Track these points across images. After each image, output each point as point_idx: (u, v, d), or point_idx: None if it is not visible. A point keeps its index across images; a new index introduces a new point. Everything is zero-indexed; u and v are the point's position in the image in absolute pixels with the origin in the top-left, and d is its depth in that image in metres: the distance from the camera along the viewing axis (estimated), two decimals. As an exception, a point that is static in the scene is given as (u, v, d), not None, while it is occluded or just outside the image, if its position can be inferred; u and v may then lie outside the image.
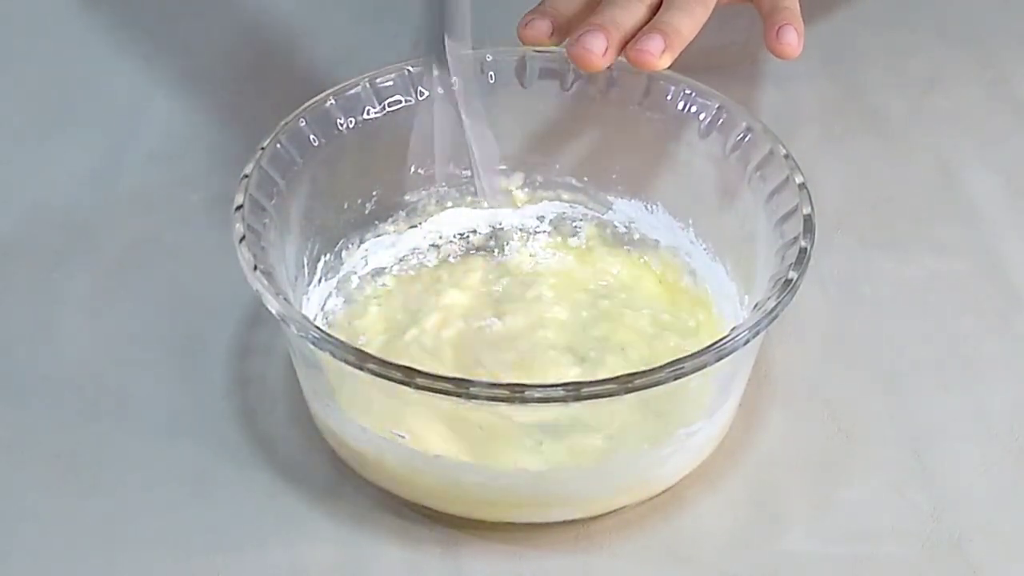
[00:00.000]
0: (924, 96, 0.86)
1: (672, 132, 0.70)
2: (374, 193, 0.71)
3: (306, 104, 0.69)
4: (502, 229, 0.73)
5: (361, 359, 0.58)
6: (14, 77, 0.87)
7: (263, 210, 0.65)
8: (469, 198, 0.73)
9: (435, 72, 0.69)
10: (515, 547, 0.63)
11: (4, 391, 0.69)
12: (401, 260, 0.72)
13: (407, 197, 0.72)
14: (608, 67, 0.69)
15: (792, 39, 0.71)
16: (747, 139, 0.68)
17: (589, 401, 0.57)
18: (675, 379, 0.58)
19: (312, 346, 0.60)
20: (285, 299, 0.61)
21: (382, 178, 0.71)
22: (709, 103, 0.70)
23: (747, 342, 0.60)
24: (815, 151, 0.81)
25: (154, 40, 0.89)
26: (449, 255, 0.72)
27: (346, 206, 0.70)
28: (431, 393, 0.58)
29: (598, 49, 0.68)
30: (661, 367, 0.58)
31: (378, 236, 0.72)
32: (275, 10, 0.91)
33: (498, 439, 0.63)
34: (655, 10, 0.71)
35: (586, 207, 0.73)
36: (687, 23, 0.69)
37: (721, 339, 0.59)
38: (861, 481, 0.66)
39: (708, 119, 0.69)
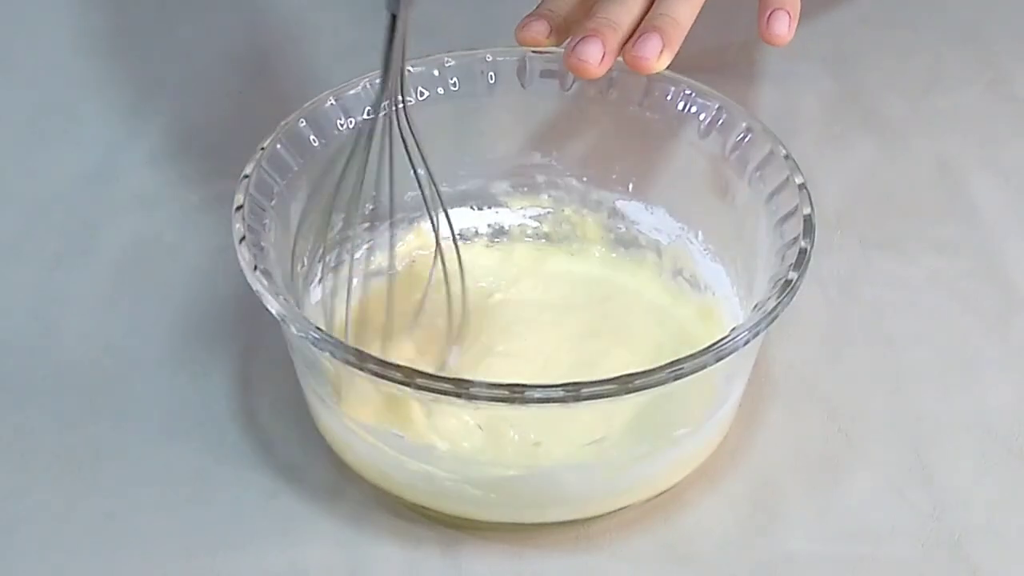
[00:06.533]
0: (924, 96, 0.86)
1: (672, 132, 0.70)
2: (374, 193, 0.71)
3: (306, 104, 0.69)
4: (503, 229, 0.73)
5: (361, 359, 0.58)
6: (14, 77, 0.87)
7: (263, 210, 0.65)
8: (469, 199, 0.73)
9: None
10: (515, 547, 0.63)
11: (4, 391, 0.69)
12: (401, 260, 0.72)
13: (407, 197, 0.72)
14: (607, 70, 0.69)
15: (782, 29, 0.71)
16: (747, 139, 0.68)
17: (589, 401, 0.57)
18: (675, 379, 0.58)
19: (312, 346, 0.60)
20: (285, 299, 0.61)
21: (384, 178, 0.71)
22: (709, 103, 0.70)
23: (747, 342, 0.60)
24: (815, 151, 0.81)
25: (154, 41, 0.89)
26: (448, 254, 0.72)
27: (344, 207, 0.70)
28: (431, 393, 0.58)
29: (593, 59, 0.67)
30: (661, 367, 0.58)
31: (378, 236, 0.72)
32: (275, 10, 0.91)
33: (498, 439, 0.63)
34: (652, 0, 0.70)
35: (586, 208, 0.73)
36: (685, 11, 0.69)
37: (721, 339, 0.59)
38: (861, 481, 0.66)
39: (708, 119, 0.69)
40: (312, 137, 0.68)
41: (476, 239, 0.73)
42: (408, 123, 0.65)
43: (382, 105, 0.64)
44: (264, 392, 0.69)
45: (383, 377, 0.58)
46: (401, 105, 0.65)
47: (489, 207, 0.74)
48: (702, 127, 0.70)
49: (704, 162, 0.70)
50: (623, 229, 0.73)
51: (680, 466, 0.65)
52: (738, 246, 0.68)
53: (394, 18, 0.62)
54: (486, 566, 0.63)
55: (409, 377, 0.58)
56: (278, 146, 0.67)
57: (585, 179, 0.73)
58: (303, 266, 0.68)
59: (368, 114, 0.66)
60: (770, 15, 0.71)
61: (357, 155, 0.64)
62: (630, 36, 0.69)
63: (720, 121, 0.69)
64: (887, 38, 0.90)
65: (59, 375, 0.70)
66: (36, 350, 0.71)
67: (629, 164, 0.72)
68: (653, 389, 0.58)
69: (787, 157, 0.67)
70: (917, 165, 0.81)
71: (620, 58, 0.69)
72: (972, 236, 0.77)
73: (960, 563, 0.63)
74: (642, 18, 0.69)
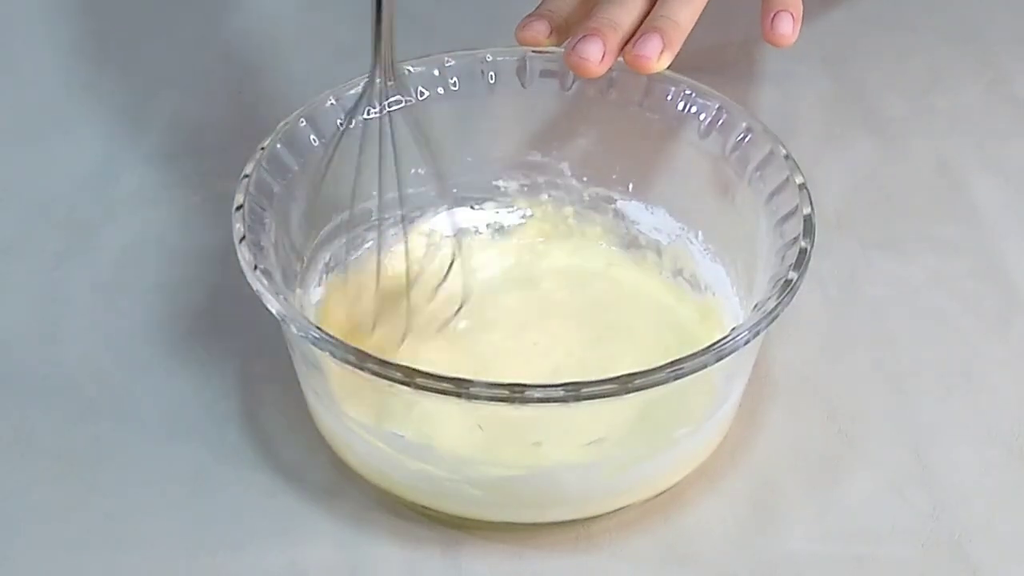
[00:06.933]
0: (924, 96, 0.86)
1: (672, 132, 0.70)
2: (374, 193, 0.71)
3: (306, 104, 0.69)
4: (503, 228, 0.73)
5: (361, 359, 0.58)
6: (14, 77, 0.87)
7: (263, 210, 0.65)
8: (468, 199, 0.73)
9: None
10: (515, 547, 0.63)
11: (4, 391, 0.69)
12: (401, 260, 0.72)
13: (405, 195, 0.72)
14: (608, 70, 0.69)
15: (787, 29, 0.71)
16: (747, 139, 0.68)
17: (589, 401, 0.57)
18: (675, 379, 0.58)
19: (312, 346, 0.60)
20: (285, 299, 0.61)
21: (382, 178, 0.71)
22: (709, 103, 0.70)
23: (747, 342, 0.60)
24: (815, 151, 0.81)
25: (154, 40, 0.89)
26: (448, 254, 0.72)
27: (346, 206, 0.70)
28: (430, 393, 0.58)
29: (594, 57, 0.67)
30: (661, 367, 0.58)
31: (378, 236, 0.72)
32: (275, 10, 0.91)
33: (498, 439, 0.63)
34: (654, 0, 0.70)
35: (586, 207, 0.73)
36: (686, 13, 0.69)
37: (721, 339, 0.59)
38: (861, 481, 0.66)
39: (708, 119, 0.69)
40: (312, 137, 0.68)
41: (476, 238, 0.73)
42: (393, 123, 0.65)
43: (377, 96, 0.65)
44: (264, 392, 0.69)
45: (383, 377, 0.58)
46: (396, 99, 0.65)
47: (489, 207, 0.73)
48: (702, 127, 0.70)
49: (704, 162, 0.70)
50: (623, 229, 0.73)
51: (680, 466, 0.65)
52: (738, 246, 0.68)
53: (379, 3, 0.63)
54: (486, 566, 0.63)
55: (408, 377, 0.58)
56: (278, 146, 0.67)
57: (585, 179, 0.73)
58: (303, 266, 0.68)
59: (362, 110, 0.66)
60: (774, 17, 0.71)
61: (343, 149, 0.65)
62: (630, 37, 0.69)
63: (720, 121, 0.69)
64: (887, 38, 0.90)
65: (59, 375, 0.70)
66: (36, 350, 0.71)
67: (629, 164, 0.72)
68: (653, 389, 0.58)
69: (787, 157, 0.67)
70: (917, 165, 0.81)
71: (620, 58, 0.69)
72: (972, 236, 0.77)
73: (960, 563, 0.63)
74: (642, 20, 0.69)
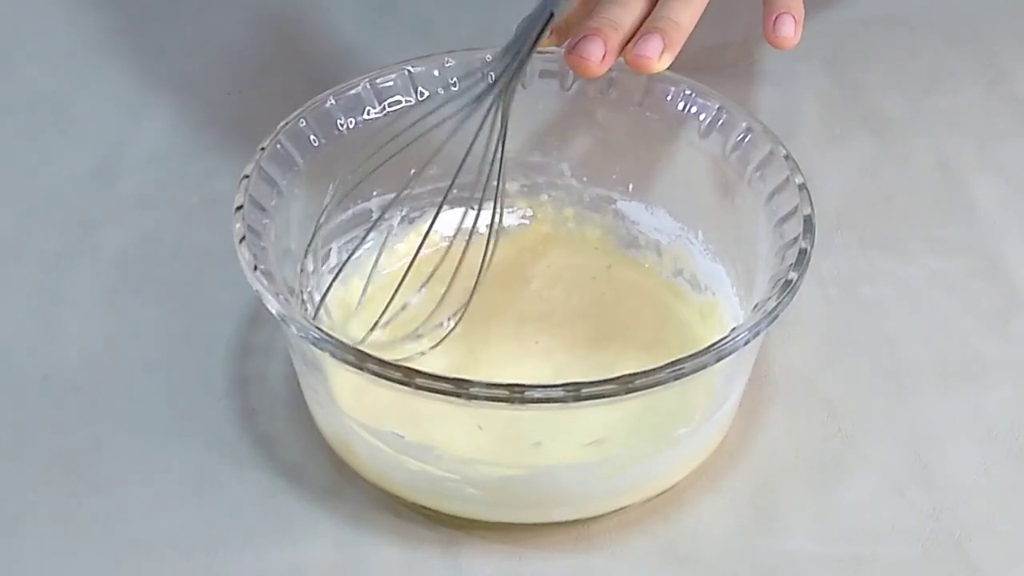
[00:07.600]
0: (924, 96, 0.86)
1: (672, 132, 0.70)
2: (374, 193, 0.71)
3: (306, 104, 0.69)
4: (503, 228, 0.73)
5: (361, 359, 0.58)
6: (14, 77, 0.87)
7: (263, 210, 0.65)
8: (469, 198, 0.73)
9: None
10: (515, 547, 0.63)
11: (4, 391, 0.69)
12: (401, 259, 0.72)
13: (407, 197, 0.72)
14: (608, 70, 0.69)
15: (789, 31, 0.71)
16: (747, 139, 0.68)
17: (589, 401, 0.57)
18: (675, 379, 0.58)
19: (312, 346, 0.60)
20: (285, 299, 0.61)
21: (382, 178, 0.71)
22: (709, 103, 0.70)
23: (747, 342, 0.60)
24: (815, 151, 0.81)
25: (154, 40, 0.89)
26: (448, 254, 0.72)
27: (346, 206, 0.70)
28: (430, 393, 0.58)
29: (595, 57, 0.67)
30: (661, 367, 0.58)
31: (378, 236, 0.72)
32: (275, 10, 0.91)
33: (498, 439, 0.63)
34: (655, 1, 0.70)
35: (586, 208, 0.73)
36: (686, 14, 0.69)
37: (721, 339, 0.59)
38: (861, 481, 0.66)
39: (708, 119, 0.69)
40: (312, 137, 0.68)
41: (475, 239, 0.73)
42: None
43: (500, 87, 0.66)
44: (264, 392, 0.69)
45: (382, 377, 0.58)
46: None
47: (489, 207, 0.73)
48: (702, 127, 0.70)
49: (704, 162, 0.70)
50: (623, 229, 0.73)
51: (680, 466, 0.65)
52: (738, 246, 0.68)
53: (551, 16, 0.66)
54: (486, 566, 0.63)
55: (408, 377, 0.58)
56: (278, 146, 0.67)
57: (585, 179, 0.73)
58: (303, 266, 0.68)
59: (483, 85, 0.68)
60: (776, 19, 0.71)
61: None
62: (631, 37, 0.69)
63: (720, 121, 0.69)
64: (887, 38, 0.90)
65: (59, 375, 0.70)
66: (36, 350, 0.71)
67: (629, 164, 0.72)
68: (653, 389, 0.58)
69: (787, 157, 0.67)
70: (917, 165, 0.81)
71: (620, 58, 0.69)
72: (972, 236, 0.77)
73: (960, 563, 0.63)
74: (643, 21, 0.69)
